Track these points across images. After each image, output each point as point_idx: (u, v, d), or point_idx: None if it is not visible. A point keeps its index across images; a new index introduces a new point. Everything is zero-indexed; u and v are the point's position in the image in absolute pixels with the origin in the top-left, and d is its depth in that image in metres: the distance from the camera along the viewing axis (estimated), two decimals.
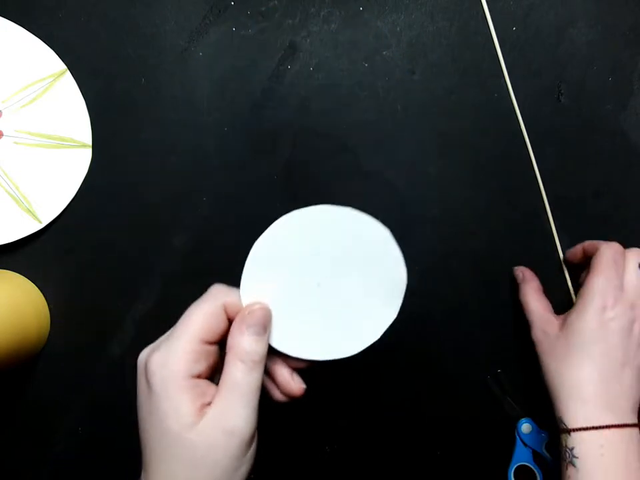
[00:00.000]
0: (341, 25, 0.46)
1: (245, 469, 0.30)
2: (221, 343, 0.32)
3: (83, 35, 0.45)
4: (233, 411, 0.29)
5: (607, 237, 0.48)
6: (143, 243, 0.47)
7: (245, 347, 0.30)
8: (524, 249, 0.48)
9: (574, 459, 0.38)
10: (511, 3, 0.45)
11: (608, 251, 0.41)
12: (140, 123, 0.46)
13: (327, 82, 0.46)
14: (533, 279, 0.45)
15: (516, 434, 0.47)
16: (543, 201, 0.47)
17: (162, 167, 0.46)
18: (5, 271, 0.46)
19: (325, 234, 0.30)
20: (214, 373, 0.32)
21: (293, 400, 0.33)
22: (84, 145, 0.46)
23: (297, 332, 0.31)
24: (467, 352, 0.48)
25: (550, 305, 0.44)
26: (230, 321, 0.31)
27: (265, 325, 0.31)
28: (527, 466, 0.47)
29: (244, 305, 0.31)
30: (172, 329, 0.32)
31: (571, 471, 0.38)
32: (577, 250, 0.45)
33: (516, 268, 0.46)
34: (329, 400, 0.49)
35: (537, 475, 0.46)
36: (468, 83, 0.46)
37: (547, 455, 0.46)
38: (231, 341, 0.30)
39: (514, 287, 0.47)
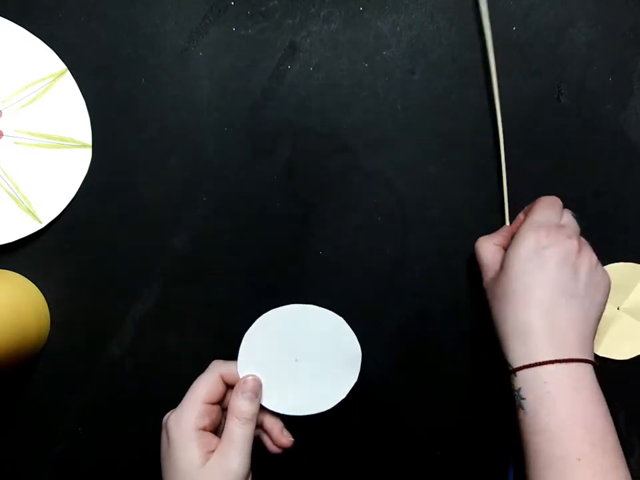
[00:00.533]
0: (341, 25, 0.46)
1: None
2: (222, 403, 0.41)
3: (83, 35, 0.45)
4: (229, 457, 0.38)
5: (607, 237, 0.48)
6: (143, 243, 0.47)
7: (240, 407, 0.39)
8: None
9: (521, 401, 0.37)
10: (511, 3, 0.45)
11: (547, 198, 0.42)
12: (140, 123, 0.46)
13: (327, 82, 0.46)
14: (505, 233, 0.44)
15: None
16: None
17: (162, 167, 0.46)
18: (5, 270, 0.46)
19: (298, 324, 0.41)
20: (217, 427, 0.41)
21: (284, 451, 0.42)
22: (84, 145, 0.46)
23: (281, 395, 0.41)
24: (467, 352, 0.48)
25: (503, 255, 0.42)
26: (227, 386, 0.41)
27: (256, 392, 0.40)
28: None
29: (240, 376, 0.41)
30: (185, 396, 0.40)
31: (520, 414, 0.37)
32: (519, 219, 0.45)
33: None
34: None
35: None
36: (468, 83, 0.46)
37: None
38: (230, 403, 0.40)
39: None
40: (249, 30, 0.45)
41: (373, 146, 0.47)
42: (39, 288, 0.47)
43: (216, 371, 0.41)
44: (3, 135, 0.45)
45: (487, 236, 0.44)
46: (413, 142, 0.47)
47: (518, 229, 0.42)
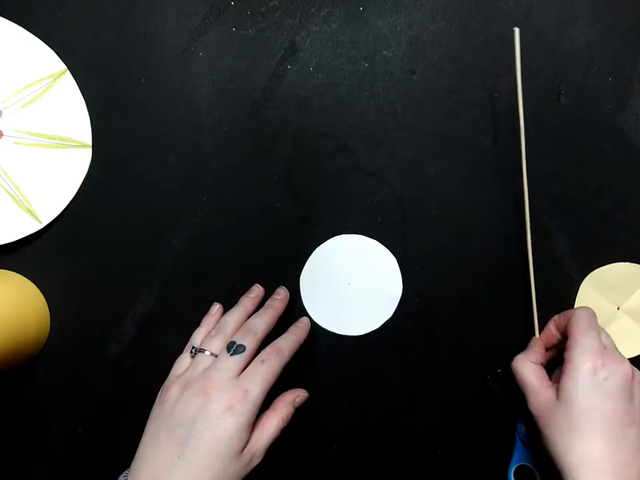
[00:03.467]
0: (341, 24, 0.46)
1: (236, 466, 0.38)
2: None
3: (83, 35, 0.45)
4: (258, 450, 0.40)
5: (607, 237, 0.48)
6: (143, 243, 0.47)
7: (285, 411, 0.42)
8: (524, 248, 0.48)
9: None
10: (511, 3, 0.45)
11: (584, 313, 0.41)
12: (140, 123, 0.46)
13: (327, 82, 0.46)
14: (538, 352, 0.43)
15: (516, 434, 0.47)
16: (543, 201, 0.47)
17: (162, 167, 0.46)
18: (4, 270, 0.46)
19: (352, 254, 0.47)
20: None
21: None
22: (84, 145, 0.46)
23: (335, 314, 0.47)
24: (467, 352, 0.48)
25: (545, 374, 0.42)
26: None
27: (299, 403, 0.43)
28: (526, 466, 0.47)
29: (303, 299, 0.47)
30: None
31: None
32: (550, 331, 0.44)
33: (534, 338, 0.45)
34: (329, 399, 0.49)
35: (537, 475, 0.46)
36: (468, 83, 0.46)
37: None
38: (278, 407, 0.42)
39: (514, 288, 0.47)
40: (249, 30, 0.45)
41: (373, 146, 0.47)
42: (39, 288, 0.47)
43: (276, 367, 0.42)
44: (3, 135, 0.45)
45: (522, 355, 0.43)
46: (413, 142, 0.47)
47: (556, 345, 0.44)
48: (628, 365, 0.39)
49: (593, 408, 0.37)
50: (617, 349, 0.41)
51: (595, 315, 0.41)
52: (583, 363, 0.38)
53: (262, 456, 0.39)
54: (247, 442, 0.38)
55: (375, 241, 0.46)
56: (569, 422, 0.38)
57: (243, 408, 0.38)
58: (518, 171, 0.47)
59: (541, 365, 0.42)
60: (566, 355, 0.40)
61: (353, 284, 0.47)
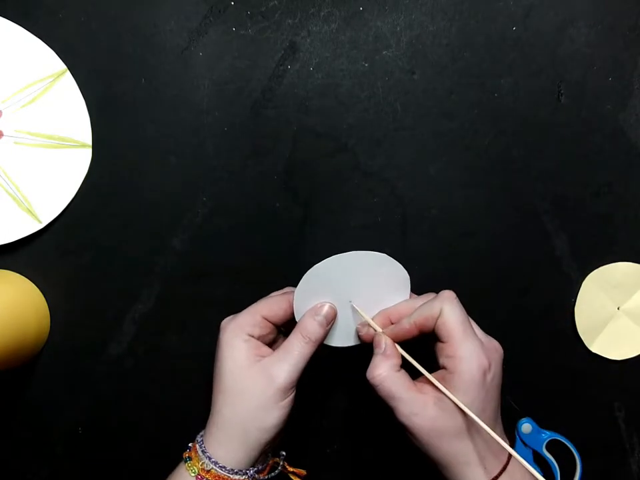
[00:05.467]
0: (341, 24, 0.46)
1: (276, 414, 0.38)
2: (279, 327, 0.42)
3: (83, 35, 0.45)
4: (278, 365, 0.38)
5: (607, 237, 0.48)
6: (143, 242, 0.47)
7: (307, 327, 0.39)
8: (524, 249, 0.48)
9: None
10: (511, 3, 0.45)
11: (453, 310, 0.38)
12: (140, 122, 0.46)
13: (327, 82, 0.46)
14: (394, 355, 0.39)
15: (516, 434, 0.47)
16: (543, 201, 0.47)
17: (162, 167, 0.46)
18: (5, 270, 0.46)
19: (351, 269, 0.40)
20: (269, 346, 0.41)
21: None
22: (84, 145, 0.46)
23: (338, 330, 0.42)
24: None
25: (409, 378, 0.38)
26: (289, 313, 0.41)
27: (328, 319, 0.40)
28: None
29: (297, 318, 0.40)
30: None
31: None
32: (403, 329, 0.39)
33: (378, 334, 0.40)
34: (329, 399, 0.49)
35: (537, 474, 0.46)
36: (468, 83, 0.46)
37: (547, 455, 0.46)
38: (299, 321, 0.40)
39: (514, 288, 0.47)
40: (249, 30, 0.45)
41: (373, 146, 0.47)
42: (39, 288, 0.47)
43: (286, 297, 0.41)
44: (3, 135, 0.45)
45: (383, 365, 0.38)
46: (413, 142, 0.47)
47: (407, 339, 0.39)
48: (495, 345, 0.39)
49: (483, 411, 0.36)
50: (479, 328, 0.39)
51: (457, 298, 0.38)
52: (473, 372, 0.36)
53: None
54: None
55: (378, 253, 0.41)
56: (456, 429, 0.36)
57: None
58: (518, 170, 0.47)
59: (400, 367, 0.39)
60: (448, 363, 0.37)
61: (355, 302, 0.42)
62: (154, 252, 0.47)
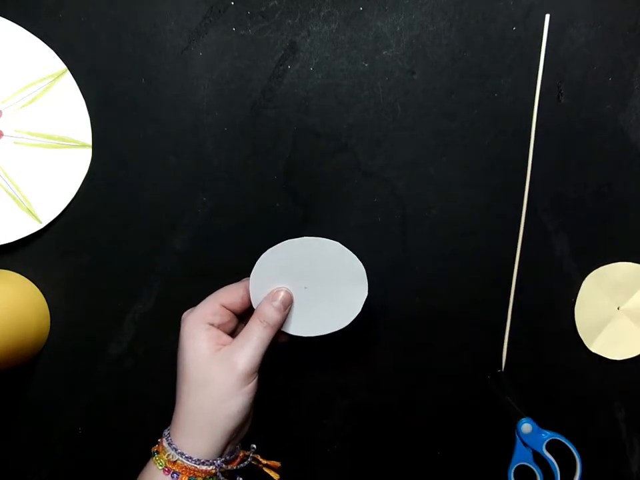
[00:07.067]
0: (341, 24, 0.46)
1: (240, 400, 0.38)
2: (239, 316, 0.42)
3: (83, 35, 0.45)
4: (239, 351, 0.38)
5: (607, 237, 0.48)
6: (143, 242, 0.47)
7: (266, 312, 0.40)
8: (524, 248, 0.48)
9: None
10: (511, 3, 0.45)
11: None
12: (140, 122, 0.46)
13: (327, 82, 0.46)
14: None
15: (516, 434, 0.47)
16: (543, 201, 0.47)
17: (162, 167, 0.46)
18: (5, 270, 0.46)
19: (302, 255, 0.41)
20: (230, 334, 0.41)
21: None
22: (84, 145, 0.46)
23: (298, 319, 0.42)
24: (467, 352, 0.48)
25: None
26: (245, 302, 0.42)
27: (285, 304, 0.41)
28: (527, 466, 0.47)
29: (254, 304, 0.41)
30: None
31: None
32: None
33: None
34: (329, 399, 0.49)
35: (537, 475, 0.46)
36: (468, 83, 0.46)
37: (547, 454, 0.46)
38: (257, 308, 0.40)
39: (513, 287, 0.47)
40: (249, 30, 0.45)
41: (373, 146, 0.47)
42: (39, 288, 0.47)
43: (243, 284, 0.41)
44: (3, 135, 0.45)
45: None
46: (413, 142, 0.47)
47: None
48: None
49: None
50: None
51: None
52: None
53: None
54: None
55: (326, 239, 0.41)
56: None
57: None
58: (517, 170, 0.47)
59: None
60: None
61: (310, 287, 0.42)
62: (154, 252, 0.47)
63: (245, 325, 0.40)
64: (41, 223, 0.46)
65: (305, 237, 0.40)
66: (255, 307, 0.41)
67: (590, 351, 0.49)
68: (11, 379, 0.48)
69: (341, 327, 0.42)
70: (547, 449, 0.46)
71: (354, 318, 0.41)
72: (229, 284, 0.42)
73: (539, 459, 0.47)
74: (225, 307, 0.41)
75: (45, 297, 0.47)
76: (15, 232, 0.45)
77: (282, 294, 0.41)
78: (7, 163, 0.45)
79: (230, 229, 0.47)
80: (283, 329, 0.42)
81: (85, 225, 0.47)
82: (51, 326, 0.47)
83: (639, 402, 0.50)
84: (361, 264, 0.41)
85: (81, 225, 0.47)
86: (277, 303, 0.40)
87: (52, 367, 0.48)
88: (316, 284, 0.41)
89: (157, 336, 0.48)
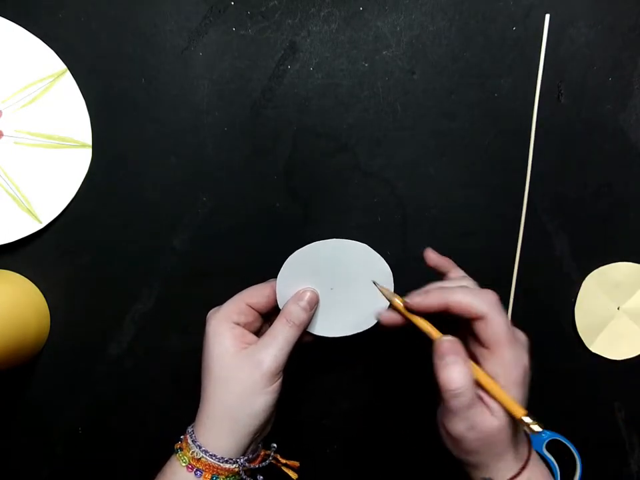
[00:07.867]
0: (341, 24, 0.46)
1: (264, 399, 0.38)
2: (264, 316, 0.42)
3: (83, 35, 0.45)
4: (265, 350, 0.38)
5: (607, 237, 0.48)
6: (143, 243, 0.47)
7: (292, 312, 0.40)
8: (524, 248, 0.48)
9: None
10: (511, 3, 0.45)
11: (500, 316, 0.36)
12: (140, 123, 0.46)
13: (327, 82, 0.46)
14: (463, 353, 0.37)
15: None
16: (543, 201, 0.47)
17: (162, 167, 0.46)
18: (5, 270, 0.46)
19: (332, 256, 0.41)
20: (255, 333, 0.41)
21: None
22: (84, 145, 0.46)
23: (324, 320, 0.42)
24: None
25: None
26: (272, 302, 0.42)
27: (311, 304, 0.41)
28: None
29: (280, 305, 0.41)
30: None
31: None
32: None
33: (440, 340, 0.38)
34: (329, 399, 0.49)
35: None
36: (468, 83, 0.46)
37: (547, 454, 0.46)
38: (283, 308, 0.40)
39: (513, 287, 0.47)
40: (249, 30, 0.45)
41: (373, 146, 0.47)
42: (38, 288, 0.47)
43: (269, 284, 0.42)
44: (3, 135, 0.45)
45: (464, 373, 0.36)
46: (412, 142, 0.47)
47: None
48: (524, 338, 0.39)
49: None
50: (508, 320, 0.38)
51: (500, 301, 0.37)
52: (518, 375, 0.36)
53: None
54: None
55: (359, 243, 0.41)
56: (505, 434, 0.37)
57: None
58: (517, 170, 0.47)
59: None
60: (493, 368, 0.36)
61: (337, 289, 0.42)
62: (154, 252, 0.47)
63: (270, 325, 0.40)
64: (40, 222, 0.46)
65: (333, 239, 0.41)
66: (280, 307, 0.41)
67: (590, 351, 0.49)
68: (11, 379, 0.48)
69: (366, 328, 0.42)
70: (547, 449, 0.46)
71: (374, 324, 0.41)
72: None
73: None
74: (251, 307, 0.41)
75: (45, 296, 0.47)
76: (15, 232, 0.45)
77: (308, 294, 0.41)
78: (6, 162, 0.45)
79: (230, 228, 0.47)
80: (308, 329, 0.42)
81: (85, 225, 0.47)
82: (51, 326, 0.47)
83: (639, 402, 0.50)
84: (387, 265, 0.41)
85: (81, 225, 0.47)
86: (303, 303, 0.40)
87: (52, 367, 0.48)
88: (342, 285, 0.41)
89: (157, 336, 0.48)
